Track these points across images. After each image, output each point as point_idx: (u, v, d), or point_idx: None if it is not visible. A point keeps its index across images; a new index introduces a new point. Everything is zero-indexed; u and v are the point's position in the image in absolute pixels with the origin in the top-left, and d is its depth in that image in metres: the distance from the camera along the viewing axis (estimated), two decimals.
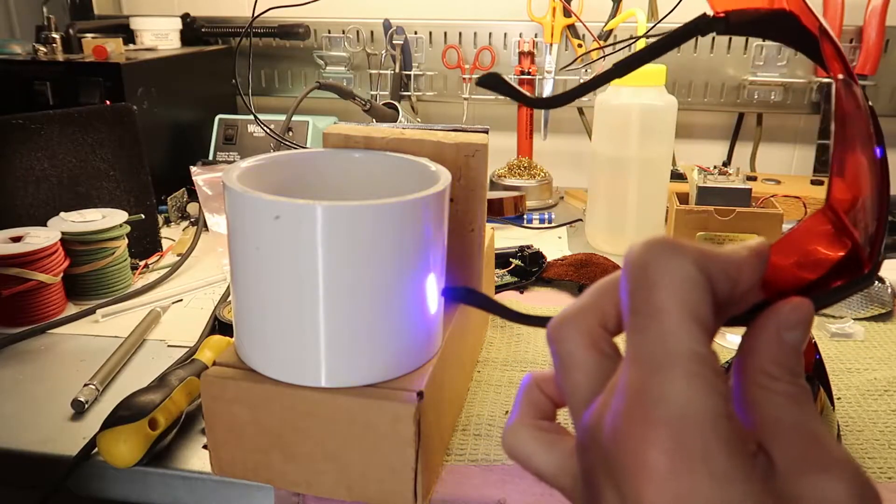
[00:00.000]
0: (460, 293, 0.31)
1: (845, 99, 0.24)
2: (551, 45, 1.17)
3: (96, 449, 0.49)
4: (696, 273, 0.22)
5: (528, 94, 0.32)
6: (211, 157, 1.11)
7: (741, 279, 0.23)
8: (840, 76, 0.25)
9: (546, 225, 1.02)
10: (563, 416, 0.27)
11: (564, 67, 1.17)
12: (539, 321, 0.27)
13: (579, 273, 0.78)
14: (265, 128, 0.94)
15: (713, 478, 0.20)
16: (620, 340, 0.25)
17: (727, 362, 0.54)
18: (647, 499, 0.20)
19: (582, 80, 1.13)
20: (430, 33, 1.22)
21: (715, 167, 0.92)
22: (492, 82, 0.30)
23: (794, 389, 0.23)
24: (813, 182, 1.07)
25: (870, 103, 0.25)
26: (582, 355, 0.24)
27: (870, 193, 0.23)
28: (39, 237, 0.71)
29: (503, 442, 0.27)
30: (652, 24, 1.04)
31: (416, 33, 1.22)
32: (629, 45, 0.78)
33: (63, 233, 0.72)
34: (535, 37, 1.18)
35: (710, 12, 0.29)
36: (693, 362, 0.21)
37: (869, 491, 0.21)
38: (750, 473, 0.20)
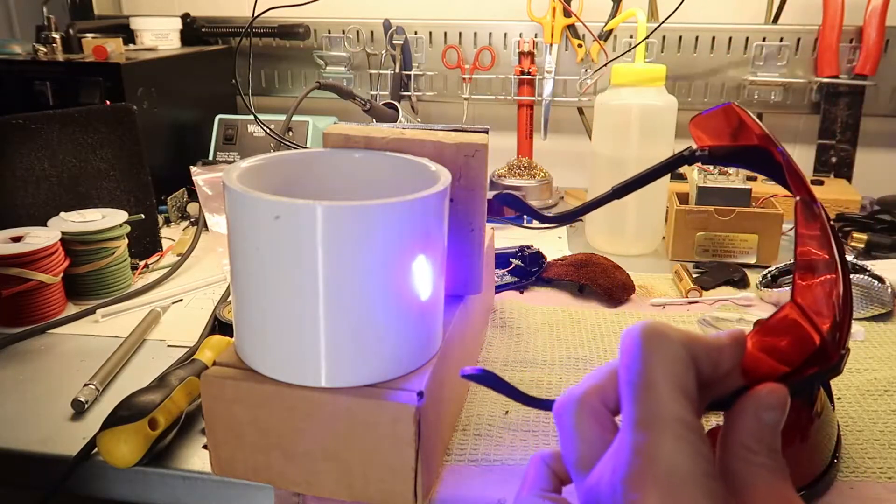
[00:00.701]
0: (478, 375, 0.35)
1: (805, 217, 0.29)
2: (551, 45, 1.17)
3: (96, 449, 0.49)
4: (683, 353, 0.26)
5: (541, 213, 0.38)
6: (211, 157, 1.11)
7: (721, 360, 0.28)
8: (798, 197, 0.30)
9: (546, 225, 1.02)
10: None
11: (585, 83, 1.16)
12: (546, 404, 0.32)
13: (579, 273, 0.78)
14: (265, 128, 0.94)
15: None
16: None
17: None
18: None
19: (581, 81, 1.13)
20: (430, 33, 1.22)
21: (715, 167, 0.92)
22: (508, 201, 0.39)
23: (772, 462, 0.26)
24: (813, 182, 1.07)
25: (831, 223, 0.30)
26: (586, 428, 0.28)
27: (833, 293, 0.27)
28: (39, 237, 0.71)
29: None
30: (654, 27, 1.04)
31: (416, 33, 1.22)
32: (631, 49, 0.78)
33: (63, 233, 0.72)
34: (535, 37, 1.18)
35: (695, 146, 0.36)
36: (680, 426, 0.25)
37: None
38: None
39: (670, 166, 0.37)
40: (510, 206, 0.38)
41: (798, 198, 0.30)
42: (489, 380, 0.34)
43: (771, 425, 0.27)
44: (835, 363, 0.28)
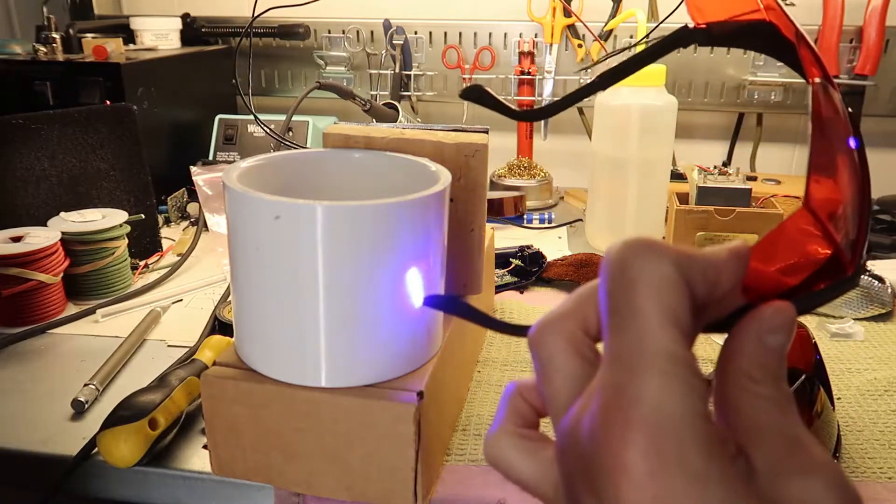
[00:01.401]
0: (443, 301, 0.31)
1: (823, 103, 0.24)
2: (551, 45, 1.17)
3: (96, 449, 0.49)
4: (674, 274, 0.22)
5: (511, 106, 0.32)
6: (211, 157, 1.11)
7: (720, 281, 0.23)
8: (817, 80, 0.24)
9: (546, 225, 1.02)
10: (546, 426, 0.27)
11: (580, 71, 1.16)
12: (521, 330, 0.27)
13: (579, 273, 0.78)
14: (265, 128, 0.94)
15: (690, 479, 0.19)
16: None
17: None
18: (626, 500, 0.20)
19: (579, 81, 1.13)
20: (430, 33, 1.22)
21: (715, 167, 0.91)
22: (475, 95, 0.30)
23: (777, 393, 0.23)
24: None
25: (849, 109, 0.24)
26: (562, 360, 0.24)
27: (850, 195, 0.23)
28: (39, 237, 0.71)
29: (485, 451, 0.27)
30: (653, 26, 1.04)
31: (416, 33, 1.22)
32: (631, 47, 0.78)
33: (63, 233, 0.72)
34: (535, 37, 1.18)
35: (692, 24, 0.30)
36: (669, 362, 0.21)
37: (851, 493, 0.21)
38: (729, 475, 0.20)
39: (664, 48, 0.30)
40: (478, 101, 0.32)
41: (815, 80, 0.24)
42: (454, 306, 0.30)
43: (776, 349, 0.23)
44: (850, 276, 0.23)
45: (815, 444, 0.22)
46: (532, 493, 0.26)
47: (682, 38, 0.30)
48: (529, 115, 0.32)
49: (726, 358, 0.24)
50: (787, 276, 0.24)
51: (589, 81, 0.31)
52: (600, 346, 0.24)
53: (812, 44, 0.26)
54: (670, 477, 0.19)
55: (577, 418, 0.22)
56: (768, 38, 0.28)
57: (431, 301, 0.31)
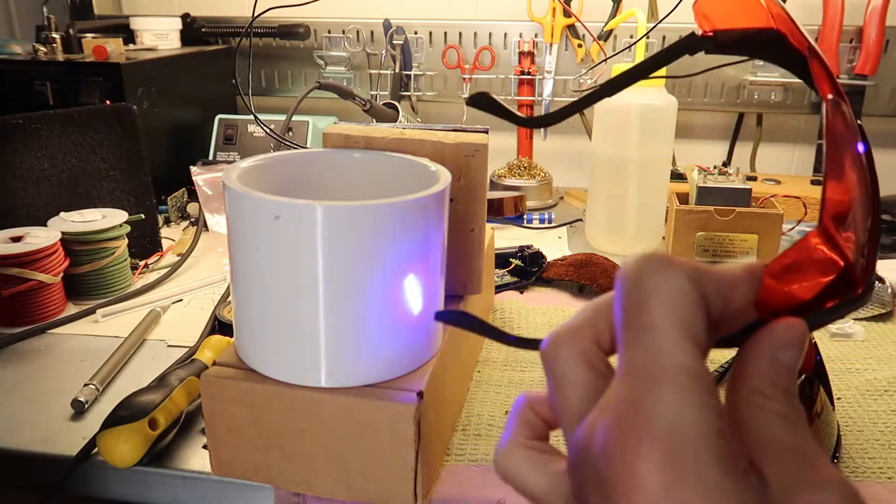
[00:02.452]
0: (453, 316, 0.31)
1: (833, 119, 0.24)
2: (551, 45, 1.17)
3: (96, 449, 0.49)
4: (689, 289, 0.22)
5: (519, 114, 0.32)
6: (211, 157, 1.11)
7: (735, 297, 0.24)
8: (829, 96, 0.24)
9: (546, 225, 1.02)
10: (556, 438, 0.27)
11: (578, 83, 1.16)
12: (533, 344, 0.27)
13: (579, 273, 0.78)
14: (265, 128, 0.94)
15: (706, 493, 0.19)
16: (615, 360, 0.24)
17: (723, 365, 0.54)
18: None
19: (576, 79, 1.13)
20: (430, 33, 1.22)
21: (715, 167, 0.92)
22: (482, 102, 0.31)
23: (788, 409, 0.23)
24: (813, 182, 1.07)
25: (859, 122, 0.25)
26: (576, 373, 0.24)
27: (860, 211, 0.23)
28: (39, 237, 0.71)
29: (495, 463, 0.27)
30: (652, 25, 1.04)
31: (416, 33, 1.22)
32: (630, 47, 0.78)
33: (63, 233, 0.72)
34: (535, 37, 1.18)
35: (699, 32, 0.29)
36: (685, 377, 0.21)
37: None
38: (743, 490, 0.20)
39: (670, 56, 0.30)
40: (485, 109, 0.32)
41: (829, 97, 0.24)
42: (465, 321, 0.30)
43: (787, 365, 0.23)
44: (861, 293, 0.24)
45: (827, 460, 0.22)
46: None
47: (688, 45, 0.30)
48: (535, 122, 0.32)
49: (738, 374, 0.24)
50: (798, 292, 0.24)
51: (594, 88, 0.31)
52: (613, 360, 0.25)
53: (824, 58, 0.26)
54: (686, 491, 0.19)
55: (590, 431, 0.22)
56: (776, 47, 0.27)
57: (442, 316, 0.31)
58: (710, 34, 0.29)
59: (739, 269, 0.24)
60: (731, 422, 0.23)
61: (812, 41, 0.26)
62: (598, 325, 0.25)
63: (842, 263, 0.24)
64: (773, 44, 0.27)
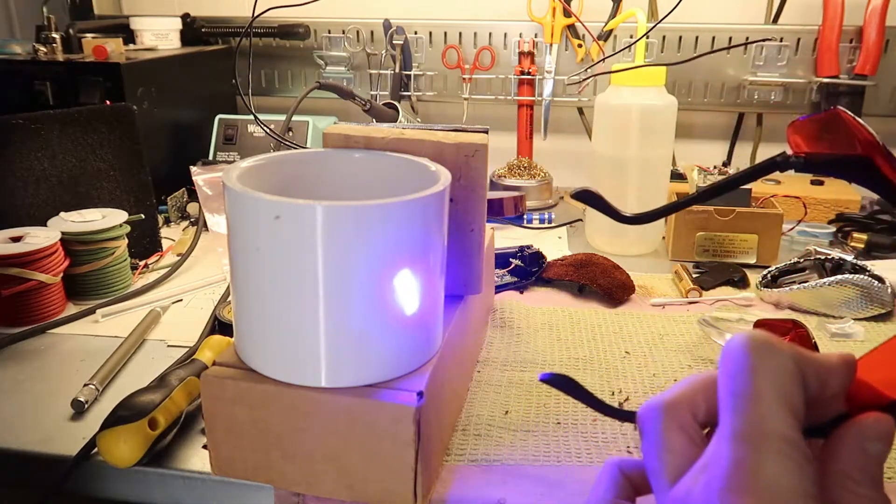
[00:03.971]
0: (558, 381, 0.33)
1: None
2: (551, 45, 1.17)
3: (96, 449, 0.49)
4: (792, 367, 0.25)
5: (622, 212, 0.36)
6: (211, 157, 1.11)
7: (830, 382, 0.26)
8: None
9: (546, 225, 1.02)
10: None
11: (572, 80, 1.17)
12: (628, 415, 0.31)
13: (579, 273, 0.78)
14: (265, 128, 0.94)
15: None
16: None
17: None
18: None
19: (571, 77, 1.13)
20: (430, 33, 1.22)
21: (715, 167, 0.92)
22: (587, 198, 0.35)
23: (876, 495, 0.25)
24: (813, 182, 1.07)
25: None
26: (675, 441, 0.27)
27: None
28: (39, 237, 0.71)
29: None
30: (652, 25, 1.04)
31: (416, 33, 1.22)
32: (630, 46, 0.77)
33: (63, 233, 0.72)
34: (535, 37, 1.18)
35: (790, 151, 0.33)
36: (787, 444, 0.24)
37: None
38: None
39: (761, 171, 0.34)
40: (589, 204, 0.37)
41: None
42: (566, 385, 0.33)
43: (876, 456, 0.26)
44: None
45: None
46: None
47: (778, 164, 0.33)
48: (638, 219, 0.37)
49: (826, 459, 0.26)
50: (887, 390, 0.27)
51: (691, 195, 0.35)
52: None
53: None
54: None
55: (687, 490, 0.25)
56: (865, 171, 0.30)
57: (547, 379, 0.33)
58: (802, 155, 0.32)
59: (836, 357, 0.27)
60: (822, 497, 0.25)
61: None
62: (695, 399, 0.28)
63: None
64: (861, 167, 0.30)
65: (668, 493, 0.26)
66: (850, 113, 0.31)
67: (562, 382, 0.33)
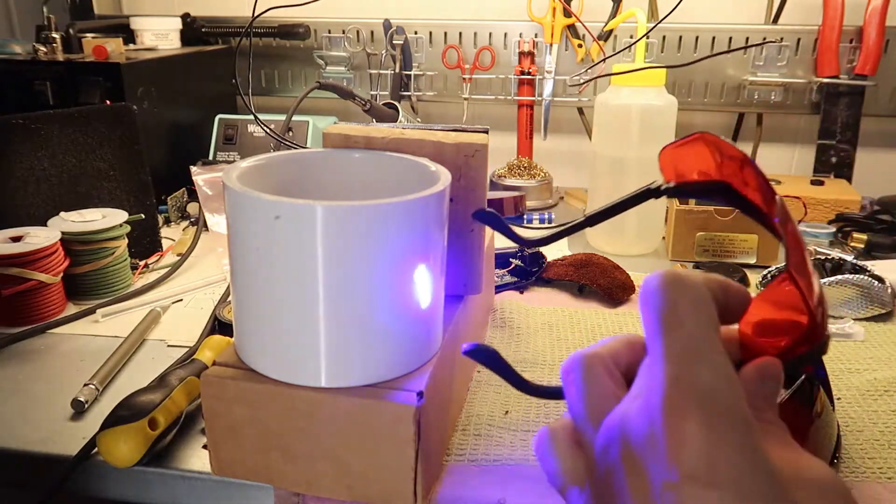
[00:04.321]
0: (481, 354, 0.34)
1: (786, 226, 0.30)
2: (551, 45, 1.17)
3: (96, 449, 0.49)
4: (706, 293, 0.28)
5: (519, 236, 0.40)
6: (211, 157, 1.11)
7: (730, 301, 0.30)
8: (776, 219, 0.31)
9: (546, 225, 1.02)
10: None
11: (574, 83, 1.16)
12: (554, 392, 0.33)
13: (579, 273, 0.78)
14: (265, 128, 0.94)
15: (738, 446, 0.25)
16: None
17: None
18: (684, 467, 0.24)
19: (572, 77, 1.13)
20: (430, 33, 1.22)
21: None
22: (486, 219, 0.40)
23: (776, 420, 0.29)
24: (813, 182, 1.07)
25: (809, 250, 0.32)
26: (597, 382, 0.30)
27: (812, 279, 0.29)
28: (39, 237, 0.71)
29: (536, 440, 0.32)
30: (652, 25, 1.04)
31: (416, 33, 1.22)
32: (630, 46, 0.78)
33: (63, 233, 0.72)
34: (535, 37, 1.18)
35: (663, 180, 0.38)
36: (717, 356, 0.27)
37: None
38: (762, 447, 0.25)
39: (639, 198, 0.39)
40: (489, 224, 0.41)
41: (776, 220, 0.31)
42: (489, 359, 0.34)
43: (772, 391, 0.30)
44: (822, 342, 0.29)
45: (806, 454, 0.28)
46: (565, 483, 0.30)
47: (652, 191, 0.39)
48: (534, 243, 0.40)
49: None
50: (776, 338, 0.31)
51: (579, 220, 0.39)
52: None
53: (761, 190, 0.32)
54: (723, 445, 0.25)
55: (622, 414, 0.27)
56: (726, 194, 0.34)
57: (470, 350, 0.35)
58: (672, 185, 0.38)
59: (722, 277, 0.31)
60: None
61: (758, 176, 0.32)
62: (617, 351, 0.31)
63: (807, 316, 0.29)
64: (724, 191, 0.35)
65: (602, 426, 0.28)
66: (714, 135, 0.35)
67: (485, 356, 0.34)
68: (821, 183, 1.07)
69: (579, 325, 0.71)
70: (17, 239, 0.71)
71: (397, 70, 1.20)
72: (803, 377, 0.47)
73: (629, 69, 0.85)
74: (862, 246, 0.89)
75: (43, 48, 1.03)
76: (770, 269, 0.79)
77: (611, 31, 1.15)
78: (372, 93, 1.23)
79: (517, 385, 0.34)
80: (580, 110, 1.25)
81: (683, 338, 0.27)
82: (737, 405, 0.25)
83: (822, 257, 0.78)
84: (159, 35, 1.17)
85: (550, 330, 0.70)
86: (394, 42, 1.19)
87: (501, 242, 0.85)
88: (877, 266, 0.75)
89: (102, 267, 0.75)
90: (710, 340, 0.27)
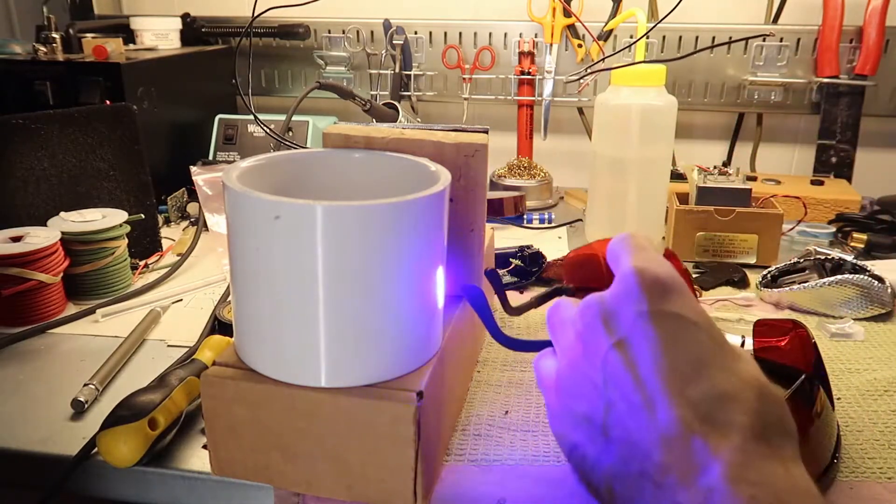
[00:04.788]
0: (471, 291, 0.44)
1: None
2: (551, 45, 1.17)
3: (96, 449, 0.49)
4: (649, 240, 0.41)
5: (509, 304, 0.49)
6: (211, 157, 1.11)
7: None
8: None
9: (546, 225, 1.02)
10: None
11: (571, 79, 1.17)
12: (529, 345, 0.43)
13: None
14: (265, 128, 0.94)
15: (690, 296, 0.37)
16: None
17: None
18: (654, 299, 0.36)
19: (580, 78, 1.13)
20: (430, 33, 1.22)
21: (715, 167, 0.92)
22: (491, 277, 0.49)
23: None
24: (813, 182, 1.07)
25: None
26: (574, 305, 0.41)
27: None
28: (39, 237, 0.71)
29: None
30: (652, 25, 1.04)
31: (416, 33, 1.22)
32: (630, 46, 0.78)
33: (63, 233, 0.72)
34: (535, 37, 1.18)
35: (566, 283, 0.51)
36: (665, 260, 0.40)
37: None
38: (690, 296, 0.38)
39: (552, 294, 0.50)
40: (491, 283, 0.49)
41: None
42: (475, 298, 0.44)
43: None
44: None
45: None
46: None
47: (559, 291, 0.50)
48: (519, 310, 0.50)
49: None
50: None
51: (545, 292, 0.51)
52: None
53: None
54: (684, 291, 0.37)
55: (598, 300, 0.39)
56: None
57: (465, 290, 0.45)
58: (572, 286, 0.50)
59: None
60: None
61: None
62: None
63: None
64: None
65: (580, 303, 0.39)
66: (602, 248, 0.45)
67: (472, 293, 0.45)
68: (821, 183, 1.07)
69: None
70: (17, 239, 0.71)
71: (397, 70, 1.20)
72: (803, 377, 0.47)
73: (627, 65, 0.85)
74: (862, 246, 0.89)
75: (43, 48, 1.03)
76: (770, 269, 0.79)
77: (611, 31, 1.15)
78: (372, 93, 1.23)
79: (493, 334, 0.45)
80: (580, 110, 1.25)
81: (642, 251, 0.39)
82: (677, 279, 0.37)
83: (822, 257, 0.78)
84: (159, 35, 1.17)
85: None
86: (394, 42, 1.19)
87: (501, 242, 0.85)
88: (877, 266, 0.75)
89: (102, 267, 0.75)
90: (660, 255, 0.39)
